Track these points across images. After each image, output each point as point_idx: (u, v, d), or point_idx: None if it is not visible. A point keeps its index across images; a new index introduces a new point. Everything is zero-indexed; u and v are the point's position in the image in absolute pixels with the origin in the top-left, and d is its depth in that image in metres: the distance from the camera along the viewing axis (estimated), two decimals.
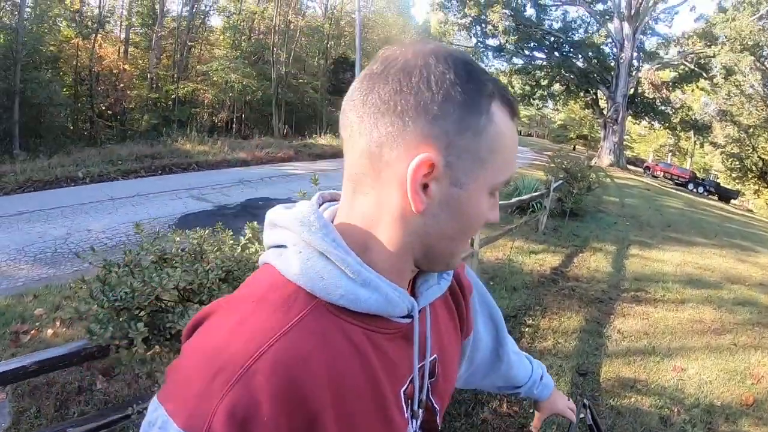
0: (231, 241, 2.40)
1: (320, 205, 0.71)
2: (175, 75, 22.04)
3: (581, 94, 25.54)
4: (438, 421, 0.81)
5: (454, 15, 26.61)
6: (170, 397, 0.54)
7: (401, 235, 0.61)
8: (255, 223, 2.37)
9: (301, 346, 0.55)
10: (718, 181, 33.55)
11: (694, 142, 35.08)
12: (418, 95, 0.55)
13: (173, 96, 21.72)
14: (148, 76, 21.89)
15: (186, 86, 22.35)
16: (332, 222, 0.66)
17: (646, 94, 26.56)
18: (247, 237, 2.42)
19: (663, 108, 27.18)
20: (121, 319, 1.91)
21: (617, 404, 3.67)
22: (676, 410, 3.74)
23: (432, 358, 0.74)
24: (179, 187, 10.26)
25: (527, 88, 26.26)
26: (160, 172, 12.10)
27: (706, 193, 29.50)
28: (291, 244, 0.61)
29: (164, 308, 2.02)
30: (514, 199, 7.00)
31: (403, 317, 0.66)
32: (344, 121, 0.61)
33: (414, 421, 0.73)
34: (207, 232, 2.40)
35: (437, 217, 0.59)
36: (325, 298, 0.58)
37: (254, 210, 8.65)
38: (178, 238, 2.34)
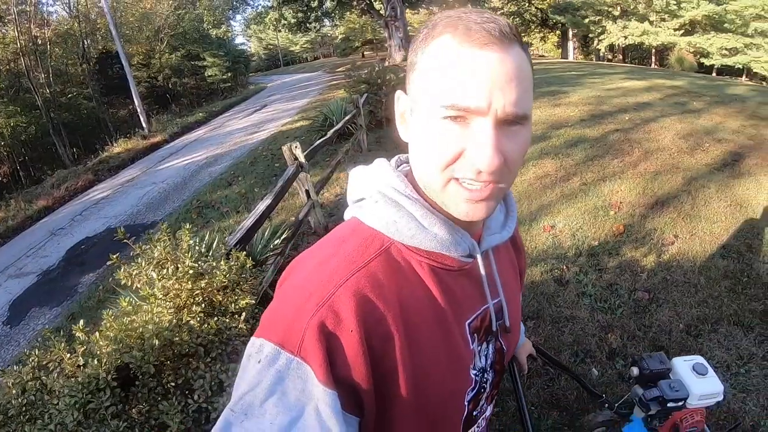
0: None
1: (399, 166, 0.84)
2: None
3: (354, 3, 25.71)
4: (505, 363, 0.94)
5: None
6: (264, 329, 0.67)
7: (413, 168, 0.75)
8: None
9: (377, 276, 0.69)
10: None
11: None
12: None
13: None
14: None
15: None
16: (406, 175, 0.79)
17: None
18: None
19: None
20: None
21: None
22: (565, 267, 3.93)
23: (498, 299, 0.86)
24: None
25: (300, 15, 25.92)
26: None
27: None
28: (368, 196, 0.76)
29: None
30: (330, 132, 6.83)
31: (466, 257, 0.77)
32: None
33: (484, 357, 0.85)
34: (37, 354, 1.90)
35: (412, 146, 0.72)
36: (398, 239, 0.72)
37: (81, 258, 7.60)
38: (10, 381, 1.84)
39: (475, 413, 0.88)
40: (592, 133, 7.21)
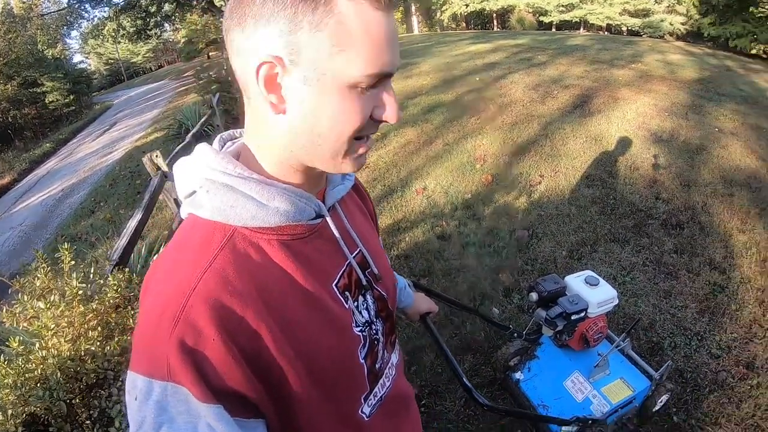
0: None
1: (223, 146, 0.82)
2: None
3: (193, 3, 24.91)
4: (390, 307, 0.95)
5: None
6: (134, 361, 0.65)
7: (278, 141, 0.70)
8: None
9: (226, 271, 0.66)
10: None
11: None
12: (251, 4, 0.61)
13: None
14: None
15: None
16: (239, 152, 0.78)
17: None
18: None
19: None
20: None
21: (399, 252, 3.78)
22: (444, 223, 4.04)
23: (358, 250, 0.87)
24: None
25: (139, 22, 24.60)
26: None
27: None
28: (198, 187, 0.71)
29: None
30: (188, 137, 6.55)
31: (315, 219, 0.77)
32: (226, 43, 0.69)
33: (366, 311, 0.86)
34: None
35: (299, 116, 0.66)
36: (239, 224, 0.70)
37: None
38: None
39: (377, 366, 0.90)
40: (447, 97, 7.51)
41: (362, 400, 0.86)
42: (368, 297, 0.88)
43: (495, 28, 26.66)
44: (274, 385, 0.69)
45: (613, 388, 2.07)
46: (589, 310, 2.01)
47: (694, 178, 4.20)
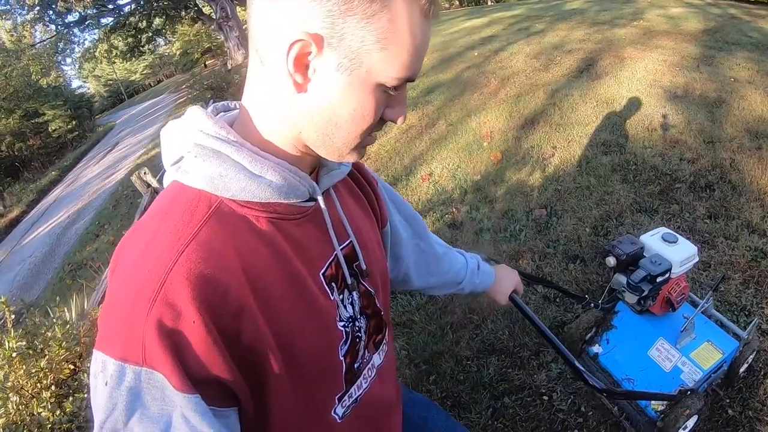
0: None
1: (217, 114, 0.77)
2: None
3: (183, 14, 25.00)
4: (378, 305, 0.91)
5: (20, 15, 22.97)
6: (103, 339, 0.60)
7: (289, 118, 0.65)
8: None
9: (210, 246, 0.60)
10: None
11: None
12: None
13: None
14: None
15: None
16: (233, 121, 0.73)
17: None
18: None
19: None
20: None
21: None
22: (454, 209, 3.79)
23: (348, 241, 0.82)
24: None
25: (130, 40, 24.76)
26: None
27: None
28: (186, 152, 0.66)
29: None
30: None
31: (307, 201, 0.73)
32: None
33: (350, 306, 0.81)
34: None
35: (320, 100, 0.63)
36: (227, 195, 0.64)
37: None
38: None
39: (356, 366, 0.85)
40: (446, 76, 7.23)
41: (336, 400, 0.82)
42: (354, 292, 0.83)
43: (488, 3, 26.25)
44: (250, 370, 0.65)
45: (702, 353, 1.90)
46: (672, 271, 1.83)
47: (717, 134, 3.91)
